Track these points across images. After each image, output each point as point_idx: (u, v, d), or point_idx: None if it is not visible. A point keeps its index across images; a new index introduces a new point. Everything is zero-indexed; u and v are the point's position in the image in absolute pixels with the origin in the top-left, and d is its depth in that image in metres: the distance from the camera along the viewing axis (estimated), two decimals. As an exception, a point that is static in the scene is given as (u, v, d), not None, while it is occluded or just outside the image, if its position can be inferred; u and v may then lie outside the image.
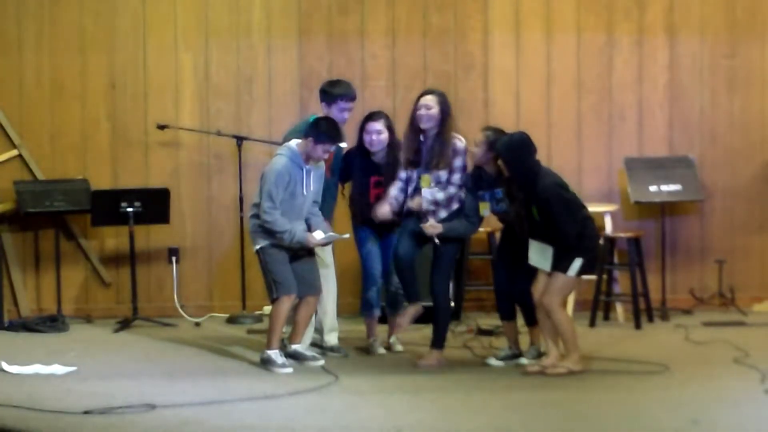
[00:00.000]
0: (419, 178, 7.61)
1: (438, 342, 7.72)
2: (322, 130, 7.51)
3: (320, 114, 7.91)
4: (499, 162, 7.34)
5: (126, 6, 9.76)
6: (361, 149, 8.05)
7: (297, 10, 9.80)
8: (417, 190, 7.62)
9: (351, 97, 7.97)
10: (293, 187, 7.52)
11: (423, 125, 7.61)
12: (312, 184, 7.62)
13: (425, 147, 7.64)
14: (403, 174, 7.70)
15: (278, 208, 7.47)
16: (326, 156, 7.64)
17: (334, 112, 7.89)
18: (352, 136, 8.20)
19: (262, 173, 7.62)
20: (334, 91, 7.95)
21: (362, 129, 8.02)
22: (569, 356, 7.35)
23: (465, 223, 7.63)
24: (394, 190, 7.72)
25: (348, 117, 7.98)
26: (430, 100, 7.63)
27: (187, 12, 9.78)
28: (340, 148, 8.01)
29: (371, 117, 8.03)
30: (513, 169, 7.28)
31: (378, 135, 7.95)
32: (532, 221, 7.33)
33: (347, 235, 7.83)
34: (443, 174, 7.59)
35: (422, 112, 7.60)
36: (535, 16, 9.82)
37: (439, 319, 7.71)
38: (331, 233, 7.71)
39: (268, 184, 7.49)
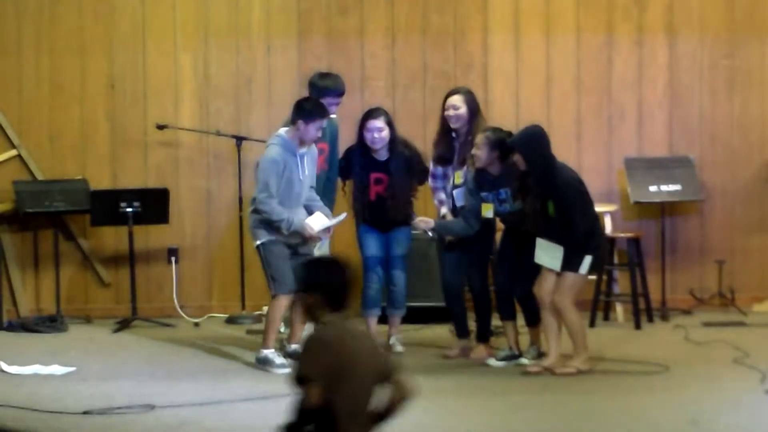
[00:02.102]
0: (444, 167, 7.88)
1: (483, 335, 7.89)
2: (308, 109, 7.52)
3: None
4: (516, 156, 7.32)
5: (125, 6, 9.75)
6: (361, 146, 8.04)
7: (296, 10, 9.78)
8: (455, 187, 7.81)
9: (339, 92, 8.00)
10: (289, 174, 7.50)
11: (453, 125, 7.80)
12: (306, 168, 7.61)
13: (458, 144, 7.80)
14: (438, 169, 7.94)
15: (275, 197, 7.46)
16: (320, 134, 7.61)
17: None
18: (351, 134, 8.20)
19: (256, 164, 7.62)
20: (322, 85, 7.96)
21: (362, 126, 8.02)
22: (578, 356, 7.34)
23: (462, 223, 7.66)
24: (440, 195, 8.00)
25: (335, 111, 7.98)
26: (456, 100, 7.83)
27: (186, 12, 9.77)
28: (334, 136, 8.08)
29: (371, 114, 8.02)
30: (530, 162, 7.26)
31: (379, 132, 7.95)
32: (546, 217, 7.31)
33: (344, 215, 7.86)
34: None
35: (450, 113, 7.82)
36: (534, 16, 9.81)
37: (478, 312, 7.88)
38: (329, 221, 7.71)
39: (263, 174, 7.47)
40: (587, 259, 7.24)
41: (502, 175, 7.49)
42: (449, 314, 8.17)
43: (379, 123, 7.96)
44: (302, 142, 7.54)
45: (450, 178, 7.88)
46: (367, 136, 7.97)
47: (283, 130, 7.62)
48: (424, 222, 7.70)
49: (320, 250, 7.95)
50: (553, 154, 7.37)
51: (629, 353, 7.95)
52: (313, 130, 7.50)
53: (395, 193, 7.96)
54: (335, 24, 9.79)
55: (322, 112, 7.56)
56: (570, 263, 7.24)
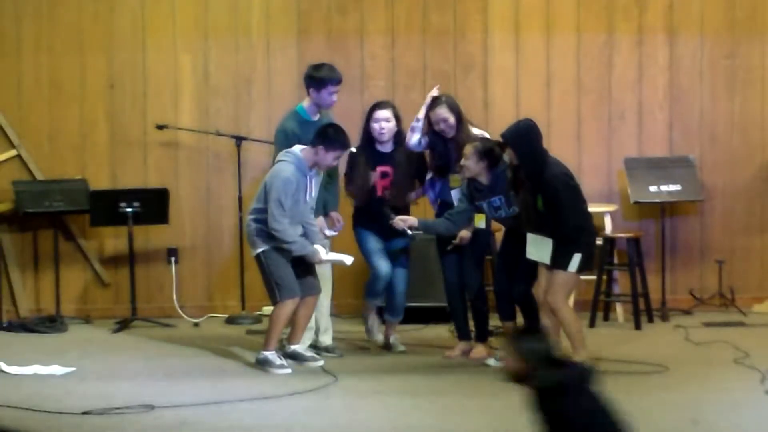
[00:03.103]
0: (443, 179, 7.85)
1: (481, 335, 7.91)
2: (332, 138, 7.49)
3: (306, 103, 7.91)
4: (507, 150, 7.34)
5: (125, 6, 9.74)
6: (367, 140, 8.02)
7: (296, 10, 9.78)
8: (451, 188, 7.82)
9: (338, 80, 7.92)
10: (297, 194, 7.50)
11: (448, 136, 7.80)
12: (313, 190, 7.62)
13: (452, 147, 7.80)
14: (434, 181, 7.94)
15: (287, 216, 7.45)
16: (337, 163, 7.63)
17: (324, 96, 7.85)
18: (351, 135, 8.18)
19: (267, 181, 7.56)
20: (320, 76, 7.87)
21: (369, 118, 7.99)
22: (577, 353, 7.32)
23: (447, 224, 7.68)
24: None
25: (336, 100, 7.95)
26: (444, 112, 7.78)
27: (185, 12, 9.76)
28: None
29: (379, 105, 8.02)
30: (521, 155, 7.26)
31: (387, 122, 7.94)
32: (535, 212, 7.31)
33: (351, 259, 7.79)
34: None
35: (442, 126, 7.79)
36: (535, 16, 9.81)
37: (474, 312, 7.93)
38: (335, 254, 7.74)
39: (277, 192, 7.42)
40: (576, 257, 7.21)
41: (492, 184, 7.51)
42: (449, 314, 8.17)
43: (386, 113, 7.96)
44: (315, 166, 7.53)
45: (437, 186, 7.91)
46: (375, 126, 7.95)
47: (297, 148, 7.57)
48: (402, 221, 7.67)
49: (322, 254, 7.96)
50: (545, 149, 7.35)
51: (629, 353, 7.95)
52: (331, 158, 7.50)
53: (397, 187, 7.93)
54: (335, 24, 9.79)
55: (345, 144, 7.56)
56: (559, 261, 7.23)
